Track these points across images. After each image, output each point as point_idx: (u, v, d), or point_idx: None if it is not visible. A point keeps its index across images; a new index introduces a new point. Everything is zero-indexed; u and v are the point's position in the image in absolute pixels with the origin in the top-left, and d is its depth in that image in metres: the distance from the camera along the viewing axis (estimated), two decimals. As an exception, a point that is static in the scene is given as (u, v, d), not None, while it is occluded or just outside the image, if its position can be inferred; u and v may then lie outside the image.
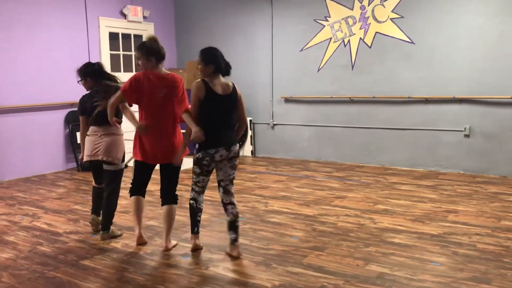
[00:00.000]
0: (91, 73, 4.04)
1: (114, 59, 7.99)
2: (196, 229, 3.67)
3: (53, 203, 5.29)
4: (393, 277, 3.17)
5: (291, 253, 3.64)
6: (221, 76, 3.46)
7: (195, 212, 3.62)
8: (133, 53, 8.23)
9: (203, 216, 4.67)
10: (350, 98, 7.28)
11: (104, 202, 4.03)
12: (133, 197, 3.82)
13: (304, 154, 7.82)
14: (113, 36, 7.93)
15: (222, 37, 8.39)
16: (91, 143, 3.97)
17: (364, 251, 3.66)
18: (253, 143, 8.31)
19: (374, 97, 7.07)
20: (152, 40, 3.69)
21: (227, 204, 3.62)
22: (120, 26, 8.02)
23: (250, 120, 8.22)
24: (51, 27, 6.98)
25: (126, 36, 8.18)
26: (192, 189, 3.62)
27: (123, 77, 8.01)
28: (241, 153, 8.37)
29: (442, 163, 6.68)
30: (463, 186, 5.76)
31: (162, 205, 3.79)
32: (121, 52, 8.05)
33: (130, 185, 3.85)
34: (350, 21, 7.18)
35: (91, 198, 4.32)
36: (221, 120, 3.44)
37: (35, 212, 4.91)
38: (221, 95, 3.39)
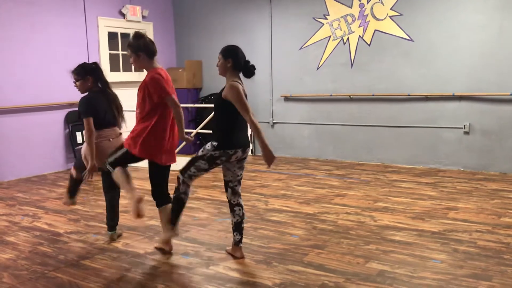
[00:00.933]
0: (92, 71, 3.87)
1: (113, 58, 7.99)
2: (177, 222, 3.56)
3: (54, 203, 5.29)
4: (393, 275, 3.17)
5: (292, 252, 3.65)
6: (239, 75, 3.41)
7: (181, 206, 3.50)
8: (132, 52, 8.22)
9: (202, 215, 4.69)
10: (349, 96, 7.27)
11: (115, 202, 3.98)
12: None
13: (304, 153, 7.82)
14: (112, 36, 7.93)
15: (221, 36, 8.39)
16: (106, 149, 3.76)
17: (365, 249, 3.66)
18: (253, 141, 8.31)
19: (373, 95, 7.07)
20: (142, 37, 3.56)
21: (235, 205, 3.55)
22: (119, 26, 8.02)
23: (250, 119, 8.20)
24: (50, 27, 6.97)
25: (125, 36, 8.17)
26: (183, 182, 3.41)
27: (122, 76, 8.05)
28: (241, 152, 8.36)
29: (442, 160, 6.68)
30: (463, 183, 5.76)
31: (163, 205, 3.67)
32: (120, 52, 8.05)
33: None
34: (349, 19, 7.17)
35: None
36: (242, 121, 3.35)
37: (35, 213, 4.92)
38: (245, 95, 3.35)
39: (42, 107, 6.89)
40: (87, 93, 3.87)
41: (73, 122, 7.15)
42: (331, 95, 7.43)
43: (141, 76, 8.39)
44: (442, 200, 5.03)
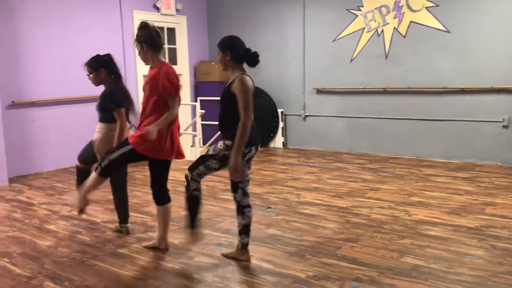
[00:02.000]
0: (104, 63, 3.81)
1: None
2: (195, 224, 3.34)
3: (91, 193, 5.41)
4: (428, 270, 3.13)
5: (325, 245, 3.64)
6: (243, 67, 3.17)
7: (196, 203, 3.29)
8: (166, 46, 8.33)
9: (235, 206, 4.71)
10: (383, 88, 7.17)
11: (125, 194, 4.04)
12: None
13: (337, 146, 7.77)
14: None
15: (254, 29, 8.39)
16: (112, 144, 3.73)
17: (399, 243, 3.63)
18: (284, 134, 8.31)
19: (408, 88, 6.95)
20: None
21: (245, 206, 3.31)
22: (154, 19, 8.10)
23: (282, 112, 8.20)
24: (87, 21, 7.12)
25: (159, 29, 8.26)
26: (192, 179, 3.22)
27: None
28: (272, 145, 8.39)
29: (479, 154, 6.52)
30: (501, 179, 5.61)
31: (162, 204, 3.56)
32: (154, 45, 8.14)
33: (104, 168, 3.43)
34: (384, 10, 7.05)
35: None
36: (253, 117, 3.13)
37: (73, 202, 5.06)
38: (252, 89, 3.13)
39: (79, 100, 7.06)
40: (107, 86, 3.84)
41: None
42: (364, 88, 7.34)
43: (175, 69, 8.49)
44: (479, 195, 4.92)
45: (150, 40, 3.39)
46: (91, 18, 7.18)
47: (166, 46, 8.33)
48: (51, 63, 6.72)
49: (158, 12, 8.13)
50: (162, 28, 8.30)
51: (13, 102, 6.34)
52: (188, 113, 8.52)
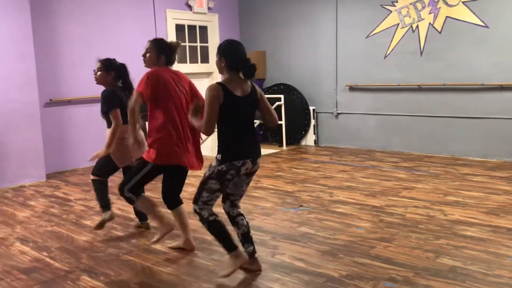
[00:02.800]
0: (117, 69, 3.84)
1: (180, 50, 8.17)
2: (234, 245, 3.04)
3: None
4: (466, 271, 3.05)
5: (358, 244, 3.60)
6: (240, 75, 2.95)
7: (221, 225, 3.02)
8: (198, 44, 8.39)
9: (267, 205, 4.72)
10: (418, 85, 7.03)
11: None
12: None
13: (370, 144, 7.66)
14: (179, 28, 8.12)
15: (286, 26, 8.36)
16: (127, 147, 3.68)
17: (435, 244, 3.55)
18: (316, 132, 8.25)
19: (444, 85, 6.79)
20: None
21: (236, 216, 3.15)
22: (186, 18, 8.19)
23: (313, 109, 8.15)
24: (121, 20, 7.25)
25: (192, 28, 8.34)
26: (201, 209, 2.99)
27: (189, 68, 8.23)
28: (303, 143, 8.35)
29: (518, 153, 6.32)
30: (542, 178, 5.43)
31: (174, 208, 3.55)
32: (187, 44, 8.23)
33: (130, 190, 3.40)
34: (419, 5, 6.91)
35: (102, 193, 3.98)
36: (247, 127, 2.97)
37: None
38: (241, 97, 2.90)
39: (114, 98, 7.18)
40: (109, 87, 3.80)
41: (141, 112, 7.39)
42: (398, 85, 7.21)
43: (207, 67, 8.56)
44: (519, 195, 4.77)
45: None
46: (125, 17, 7.30)
47: (198, 44, 8.40)
48: (87, 62, 6.85)
49: (191, 10, 8.20)
50: (194, 26, 8.36)
51: (50, 100, 6.51)
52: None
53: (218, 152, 2.93)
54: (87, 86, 6.87)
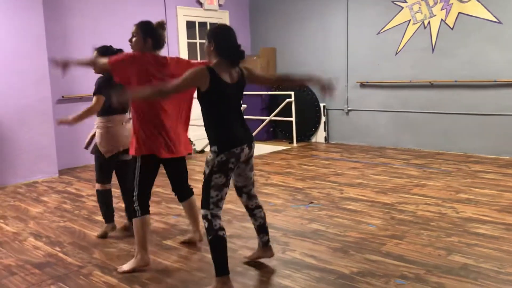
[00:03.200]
0: (115, 55, 3.66)
1: (191, 47, 8.21)
2: (228, 269, 2.80)
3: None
4: (478, 269, 3.04)
5: (369, 241, 3.59)
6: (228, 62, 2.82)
7: (225, 245, 2.79)
8: (208, 41, 8.39)
9: (277, 201, 4.73)
10: (430, 82, 6.98)
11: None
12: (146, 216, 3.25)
13: (381, 141, 7.63)
14: (190, 25, 8.13)
15: (296, 22, 8.34)
16: (119, 134, 3.71)
17: (446, 241, 3.53)
18: (326, 129, 8.23)
19: (456, 81, 6.73)
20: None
21: (254, 208, 3.13)
22: (197, 15, 8.20)
23: (324, 106, 8.13)
24: (132, 17, 7.24)
25: (202, 25, 8.36)
26: (213, 216, 2.77)
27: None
28: (314, 139, 8.33)
29: (531, 151, 6.26)
30: (556, 176, 5.37)
31: (185, 199, 3.56)
32: (197, 41, 8.25)
33: (138, 199, 3.21)
34: (431, 1, 6.85)
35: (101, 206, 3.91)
36: (235, 112, 2.86)
37: (120, 194, 5.19)
38: (229, 84, 2.79)
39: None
40: (103, 75, 3.72)
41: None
42: (410, 82, 7.17)
43: (217, 64, 8.55)
44: (532, 193, 4.73)
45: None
46: (137, 14, 7.31)
47: (209, 41, 8.40)
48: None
49: (201, 7, 8.22)
50: (204, 23, 8.38)
51: (62, 96, 6.56)
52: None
53: (213, 144, 2.77)
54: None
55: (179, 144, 3.30)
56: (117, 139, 3.72)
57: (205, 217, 2.78)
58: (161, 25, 3.33)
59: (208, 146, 2.87)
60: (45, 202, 5.05)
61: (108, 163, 3.81)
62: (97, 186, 3.86)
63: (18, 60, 5.86)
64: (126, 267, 3.21)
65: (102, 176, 3.83)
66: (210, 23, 8.40)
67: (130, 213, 3.86)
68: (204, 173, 2.81)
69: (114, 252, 3.57)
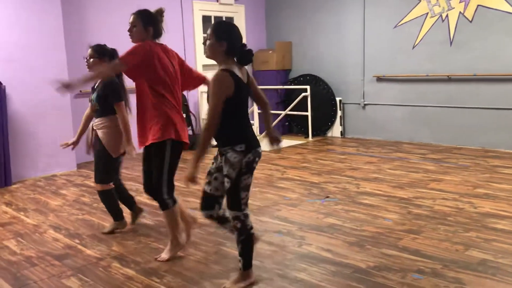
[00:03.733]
0: (110, 54, 3.71)
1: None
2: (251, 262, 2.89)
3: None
4: (496, 265, 3.01)
5: (385, 235, 3.58)
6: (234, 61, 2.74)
7: (254, 241, 2.87)
8: (224, 35, 8.40)
9: (293, 195, 4.73)
10: (448, 76, 6.90)
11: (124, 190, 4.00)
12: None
13: (397, 135, 7.58)
14: (205, 19, 8.15)
15: (312, 16, 8.30)
16: (122, 134, 3.69)
17: (464, 236, 3.50)
18: (342, 123, 8.20)
19: (475, 75, 6.64)
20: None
21: (228, 218, 2.90)
22: (213, 9, 8.22)
23: (340, 100, 8.09)
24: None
25: (218, 19, 8.36)
26: (246, 216, 2.76)
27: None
28: (329, 134, 8.31)
29: (552, 145, 6.16)
30: None
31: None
32: (213, 35, 8.25)
33: (168, 191, 3.22)
34: (449, -6, 6.77)
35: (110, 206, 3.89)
36: (247, 114, 2.81)
37: (138, 187, 5.25)
38: (245, 84, 2.74)
39: (141, 89, 7.28)
40: (111, 78, 3.65)
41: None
42: (427, 75, 7.10)
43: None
44: (552, 188, 4.66)
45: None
46: (153, 8, 7.35)
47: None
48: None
49: (217, 1, 8.22)
50: (220, 18, 8.38)
51: (80, 91, 6.64)
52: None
53: (238, 143, 2.66)
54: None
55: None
56: (122, 139, 3.70)
57: (237, 218, 2.74)
58: (160, 13, 3.29)
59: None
60: (64, 195, 5.13)
61: (114, 163, 3.80)
62: (100, 187, 3.77)
63: (36, 55, 5.94)
64: (165, 255, 3.28)
65: (107, 176, 3.77)
66: (226, 17, 8.41)
67: (131, 204, 3.99)
68: (229, 174, 2.68)
69: (132, 244, 3.62)
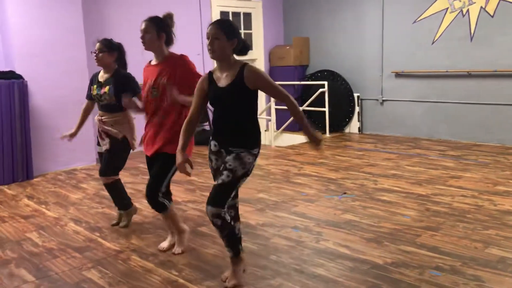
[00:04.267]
0: (118, 49, 3.76)
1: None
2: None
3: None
4: (516, 263, 2.98)
5: (403, 232, 3.57)
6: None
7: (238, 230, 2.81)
8: (242, 31, 8.42)
9: (310, 191, 4.74)
10: (468, 72, 6.81)
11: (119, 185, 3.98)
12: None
13: (416, 132, 7.51)
14: (223, 15, 8.16)
15: (330, 11, 8.26)
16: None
17: (483, 234, 3.47)
18: (360, 119, 8.15)
19: (495, 71, 6.54)
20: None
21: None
22: (230, 5, 8.23)
23: (358, 96, 8.05)
24: (167, 8, 7.32)
25: (236, 15, 8.38)
26: (225, 213, 2.61)
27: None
28: (347, 130, 8.27)
29: None
30: None
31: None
32: (231, 30, 8.27)
33: (165, 195, 3.27)
34: (470, -12, 6.67)
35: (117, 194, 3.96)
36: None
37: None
38: None
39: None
40: (116, 71, 3.73)
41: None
42: (447, 71, 7.01)
43: (250, 54, 8.58)
44: None
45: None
46: (171, 4, 7.38)
47: (242, 31, 8.43)
48: (134, 50, 7.00)
49: (235, -3, 8.23)
50: (238, 13, 8.39)
51: (100, 86, 6.72)
52: (262, 98, 8.59)
53: (254, 146, 2.64)
54: (134, 73, 7.03)
55: None
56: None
57: (218, 216, 2.56)
58: (170, 17, 3.26)
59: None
60: (84, 189, 5.22)
61: (128, 154, 3.90)
62: (111, 179, 3.83)
63: (57, 51, 6.03)
64: (180, 248, 3.33)
65: (118, 168, 3.87)
66: (244, 13, 8.42)
67: (125, 205, 3.96)
68: (233, 170, 2.57)
69: (151, 237, 3.67)
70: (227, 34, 2.57)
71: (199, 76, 3.00)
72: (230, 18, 8.23)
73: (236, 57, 2.67)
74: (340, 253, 3.24)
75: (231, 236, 2.71)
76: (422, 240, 3.39)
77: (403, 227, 3.67)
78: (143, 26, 3.18)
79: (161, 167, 3.20)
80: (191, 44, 7.65)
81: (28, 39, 5.80)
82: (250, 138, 2.65)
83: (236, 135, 2.64)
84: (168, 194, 3.34)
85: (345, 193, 4.64)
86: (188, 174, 2.75)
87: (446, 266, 2.97)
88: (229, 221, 2.64)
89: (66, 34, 6.09)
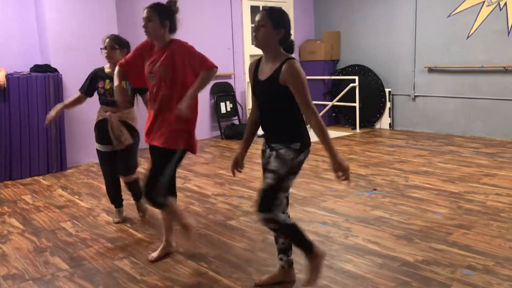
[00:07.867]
0: (128, 46, 3.70)
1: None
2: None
3: (202, 168, 5.72)
4: (553, 264, 2.90)
5: (434, 230, 3.51)
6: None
7: (298, 226, 2.56)
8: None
9: (339, 187, 4.70)
10: (504, 67, 6.62)
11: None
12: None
13: (448, 128, 7.35)
14: (254, 10, 8.16)
15: (361, 5, 8.15)
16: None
17: (518, 234, 3.39)
18: (391, 115, 8.04)
19: (533, 66, 6.35)
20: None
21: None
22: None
23: (389, 92, 7.93)
24: (197, 3, 7.40)
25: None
26: (277, 215, 2.42)
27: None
28: (378, 126, 8.17)
29: None
30: None
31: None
32: (261, 25, 8.26)
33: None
34: (508, -19, 6.47)
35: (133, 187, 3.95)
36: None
37: (186, 175, 5.37)
38: None
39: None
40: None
41: (218, 93, 7.58)
42: (482, 67, 6.83)
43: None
44: None
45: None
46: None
47: (272, 25, 8.40)
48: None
49: (266, -9, 8.21)
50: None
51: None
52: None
53: (295, 140, 2.45)
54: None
55: None
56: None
57: (267, 220, 2.42)
58: (174, 2, 3.02)
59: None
60: (116, 181, 5.31)
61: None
62: (133, 177, 3.83)
63: (91, 45, 6.13)
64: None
65: (137, 165, 3.91)
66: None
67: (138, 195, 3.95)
68: (276, 171, 2.42)
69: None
70: (274, 23, 2.40)
71: (201, 56, 2.95)
72: (261, 12, 8.22)
73: (281, 51, 2.46)
74: (369, 249, 3.21)
75: (293, 234, 2.52)
76: (454, 238, 3.33)
77: (434, 224, 3.61)
78: (145, 14, 2.96)
79: (156, 163, 2.95)
80: (222, 38, 7.69)
81: (63, 33, 5.94)
82: (289, 133, 2.47)
83: (275, 130, 2.51)
84: (170, 191, 3.12)
85: (375, 189, 4.59)
86: (234, 174, 2.73)
87: (479, 265, 2.91)
88: (285, 221, 2.47)
89: (100, 27, 6.19)
